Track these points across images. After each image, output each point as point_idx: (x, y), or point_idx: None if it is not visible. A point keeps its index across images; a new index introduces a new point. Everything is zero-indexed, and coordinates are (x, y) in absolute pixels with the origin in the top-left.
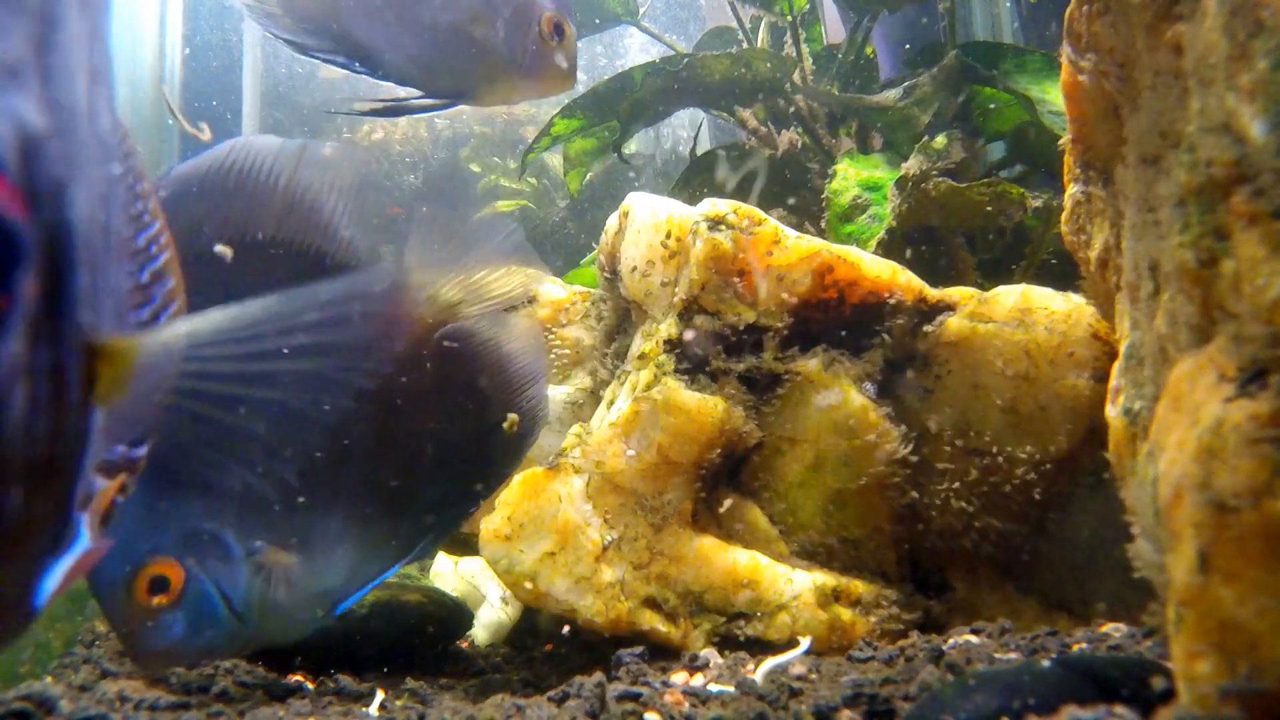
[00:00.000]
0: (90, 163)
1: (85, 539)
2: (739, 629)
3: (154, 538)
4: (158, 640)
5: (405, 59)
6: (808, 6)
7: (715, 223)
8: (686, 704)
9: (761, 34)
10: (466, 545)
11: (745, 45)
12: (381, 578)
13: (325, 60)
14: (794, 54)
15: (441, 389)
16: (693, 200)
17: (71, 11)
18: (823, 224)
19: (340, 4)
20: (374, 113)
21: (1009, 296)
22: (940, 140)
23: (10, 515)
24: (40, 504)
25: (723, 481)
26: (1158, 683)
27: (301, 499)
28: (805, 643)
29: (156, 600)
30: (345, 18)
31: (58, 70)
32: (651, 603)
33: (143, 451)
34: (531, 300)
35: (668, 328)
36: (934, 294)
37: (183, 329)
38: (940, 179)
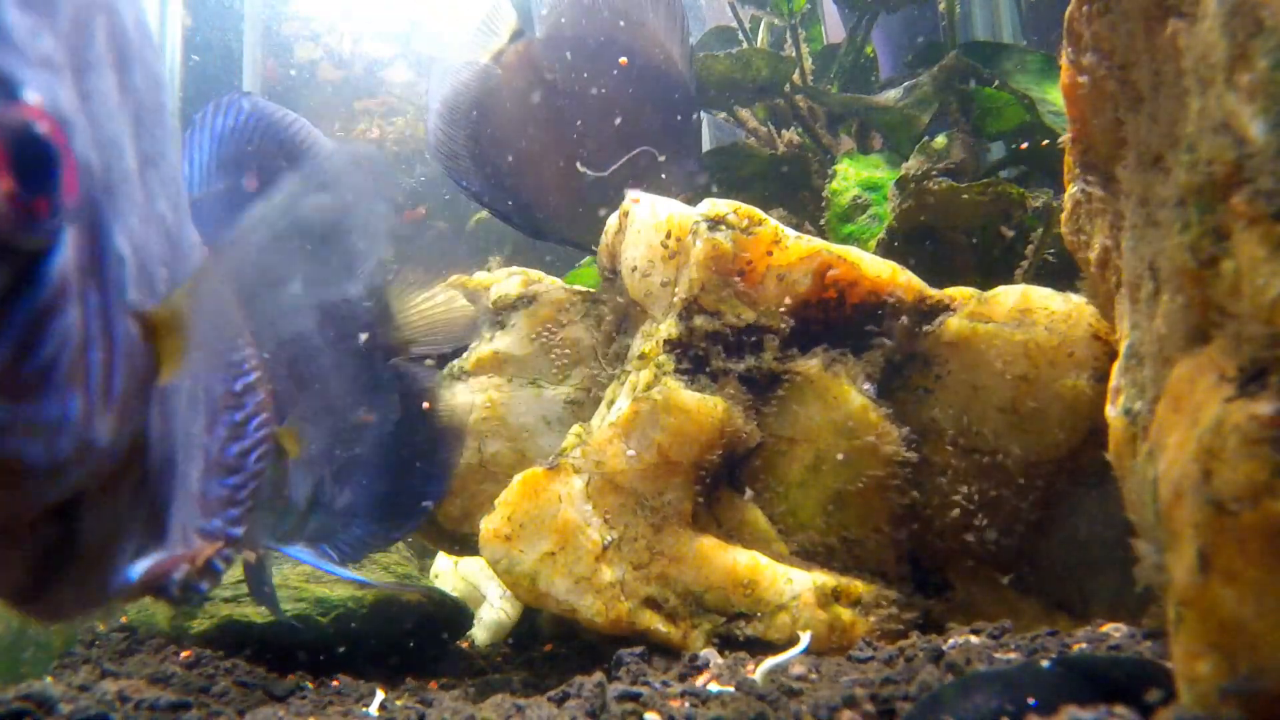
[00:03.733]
0: (137, 216)
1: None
2: (739, 629)
3: None
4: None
5: (559, 220)
6: (808, 6)
7: (715, 223)
8: (686, 704)
9: (761, 34)
10: (466, 545)
11: (745, 45)
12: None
13: (496, 214)
14: (794, 54)
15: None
16: (693, 200)
17: (107, 73)
18: (823, 224)
19: (518, 176)
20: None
21: (1009, 296)
22: (940, 140)
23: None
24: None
25: (723, 482)
26: (1157, 683)
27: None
28: (805, 638)
29: None
30: (519, 184)
31: (97, 104)
32: (651, 603)
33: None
34: (532, 300)
35: (668, 328)
36: (934, 294)
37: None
38: (940, 179)
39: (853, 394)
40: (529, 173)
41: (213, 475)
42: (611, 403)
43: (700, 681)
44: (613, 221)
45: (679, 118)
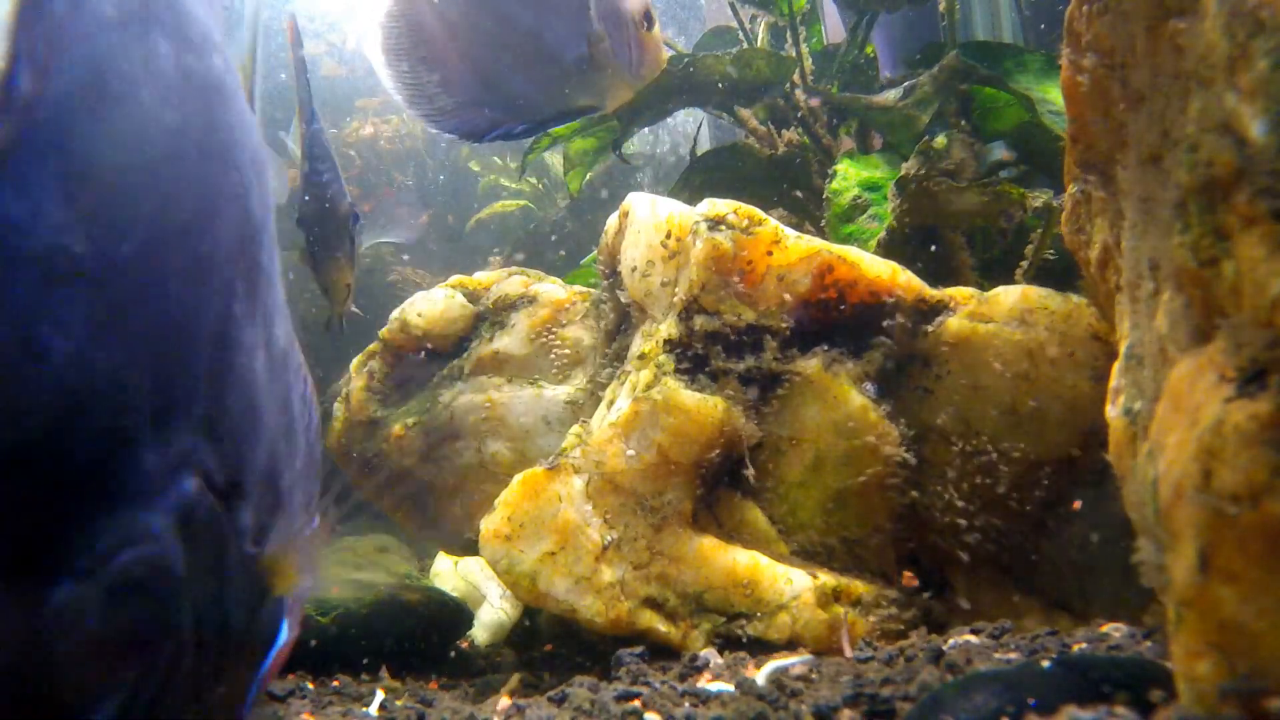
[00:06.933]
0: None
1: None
2: (739, 629)
3: None
4: None
5: (548, 99)
6: (807, 6)
7: (715, 223)
8: (686, 704)
9: (761, 34)
10: (466, 545)
11: (745, 45)
12: None
13: (497, 138)
14: (794, 54)
15: None
16: (693, 200)
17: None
18: (823, 224)
19: (494, 81)
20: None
21: (1009, 296)
22: (940, 140)
23: None
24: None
25: (723, 481)
26: (1157, 683)
27: None
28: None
29: None
30: (499, 87)
31: None
32: (651, 603)
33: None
34: (532, 300)
35: (667, 328)
36: (934, 294)
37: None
38: (940, 179)
39: (853, 394)
40: (501, 71)
41: None
42: (611, 403)
43: (700, 682)
44: (612, 221)
45: None
